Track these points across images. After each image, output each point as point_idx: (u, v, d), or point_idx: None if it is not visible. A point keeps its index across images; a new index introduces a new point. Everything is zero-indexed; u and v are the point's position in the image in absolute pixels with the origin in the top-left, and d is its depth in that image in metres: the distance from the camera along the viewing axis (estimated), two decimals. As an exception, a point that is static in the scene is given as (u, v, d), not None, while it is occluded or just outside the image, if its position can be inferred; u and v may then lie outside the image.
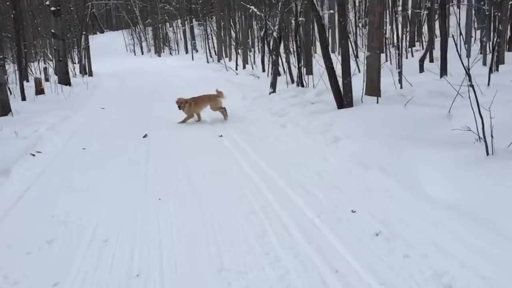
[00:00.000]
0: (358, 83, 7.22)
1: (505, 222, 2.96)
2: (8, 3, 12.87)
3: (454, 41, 5.50)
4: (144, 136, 6.77)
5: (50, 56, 19.59)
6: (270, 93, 9.59)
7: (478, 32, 15.91)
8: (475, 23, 16.12)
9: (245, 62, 17.86)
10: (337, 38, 20.25)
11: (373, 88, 6.91)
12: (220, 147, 5.86)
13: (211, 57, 23.87)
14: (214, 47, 25.48)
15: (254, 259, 2.89)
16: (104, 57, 29.86)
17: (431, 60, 13.46)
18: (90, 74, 20.26)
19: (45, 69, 16.56)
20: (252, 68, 16.28)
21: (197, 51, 29.01)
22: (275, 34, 9.60)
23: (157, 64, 25.72)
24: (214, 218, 3.57)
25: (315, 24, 16.19)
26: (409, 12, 16.31)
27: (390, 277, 2.56)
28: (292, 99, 8.55)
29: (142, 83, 15.15)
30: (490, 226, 2.96)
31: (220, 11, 22.56)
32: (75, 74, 19.59)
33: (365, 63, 6.99)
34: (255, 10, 12.89)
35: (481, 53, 14.99)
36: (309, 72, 11.41)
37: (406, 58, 14.11)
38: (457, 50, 5.03)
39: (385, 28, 11.72)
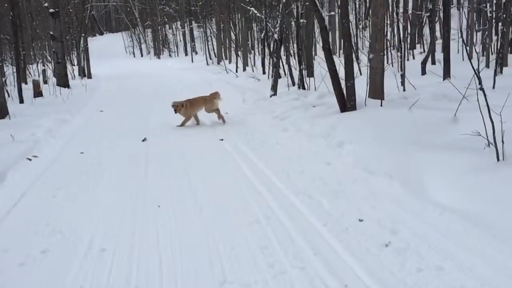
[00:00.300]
0: (360, 85, 7.09)
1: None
2: (6, 5, 12.72)
3: (464, 42, 5.38)
4: (143, 140, 6.63)
5: (49, 58, 19.46)
6: (271, 96, 9.47)
7: (479, 34, 15.82)
8: (476, 25, 16.03)
9: (245, 64, 17.75)
10: (337, 40, 20.21)
11: (376, 91, 6.78)
12: (221, 152, 5.73)
13: (210, 59, 23.76)
14: (213, 49, 25.37)
15: (258, 272, 2.75)
16: (104, 59, 29.78)
17: (433, 62, 13.36)
18: (89, 76, 20.13)
19: (44, 71, 16.44)
20: (252, 70, 16.16)
21: (196, 53, 28.92)
22: (276, 36, 9.48)
23: (157, 66, 25.61)
24: (216, 227, 3.43)
25: (315, 26, 16.14)
26: (410, 14, 16.22)
27: (403, 293, 2.43)
28: (294, 102, 8.42)
29: (141, 86, 15.03)
30: (507, 237, 2.82)
31: (220, 13, 22.47)
32: (74, 76, 19.47)
33: (368, 65, 6.87)
34: (255, 12, 12.78)
35: (483, 55, 14.92)
36: (310, 74, 11.29)
37: (407, 60, 14.01)
38: (468, 54, 4.90)
39: (386, 30, 11.60)
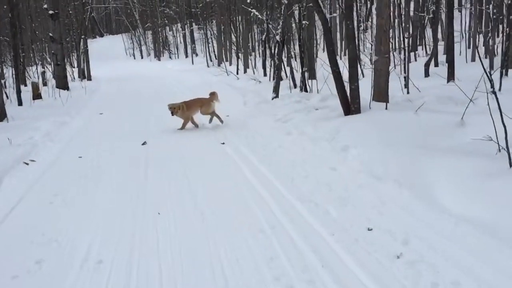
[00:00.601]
0: (363, 88, 6.95)
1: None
2: (5, 6, 12.61)
3: (467, 44, 5.22)
4: (143, 144, 6.50)
5: (49, 60, 19.35)
6: (272, 98, 9.34)
7: (481, 35, 15.69)
8: (478, 27, 15.91)
9: (246, 66, 17.63)
10: (338, 42, 20.10)
11: (381, 94, 6.65)
12: (223, 156, 5.59)
13: (211, 61, 23.65)
14: (214, 51, 25.26)
15: (264, 285, 2.61)
16: (104, 61, 29.67)
17: (436, 64, 13.24)
18: (89, 78, 20.02)
19: (43, 73, 16.31)
20: (253, 73, 16.03)
21: (197, 55, 28.81)
22: (277, 37, 9.35)
23: (157, 68, 25.49)
24: (219, 236, 3.29)
25: (316, 28, 16.01)
26: (412, 15, 16.10)
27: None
28: (296, 105, 8.29)
29: (141, 88, 14.91)
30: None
31: (220, 15, 22.36)
32: (74, 78, 19.35)
33: (373, 67, 6.73)
34: (257, 13, 12.66)
35: (486, 57, 14.78)
36: (312, 76, 11.16)
37: (410, 62, 13.88)
38: (479, 57, 4.77)
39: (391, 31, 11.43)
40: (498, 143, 4.05)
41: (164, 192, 4.36)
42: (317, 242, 3.08)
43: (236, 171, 4.89)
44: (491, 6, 13.84)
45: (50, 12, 14.45)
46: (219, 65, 21.13)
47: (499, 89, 7.14)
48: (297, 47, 16.83)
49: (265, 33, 13.27)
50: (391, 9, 13.96)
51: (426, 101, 7.06)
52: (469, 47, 15.37)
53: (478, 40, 15.62)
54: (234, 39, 20.93)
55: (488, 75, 4.02)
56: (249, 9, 13.12)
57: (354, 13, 20.14)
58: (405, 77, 9.06)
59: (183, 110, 7.31)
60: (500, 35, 13.12)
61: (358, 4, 21.05)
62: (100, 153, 6.10)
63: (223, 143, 6.23)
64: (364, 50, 18.25)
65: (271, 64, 12.78)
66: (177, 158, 5.62)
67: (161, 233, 3.43)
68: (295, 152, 5.48)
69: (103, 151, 6.21)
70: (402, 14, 13.09)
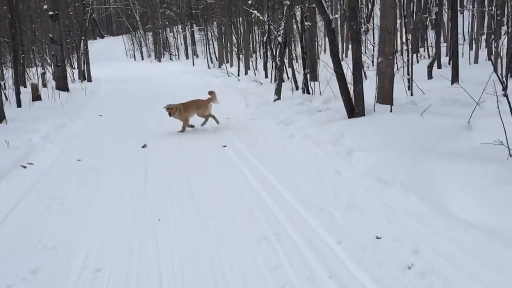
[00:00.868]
0: (366, 90, 6.84)
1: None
2: (5, 7, 12.53)
3: (478, 46, 5.11)
4: (143, 146, 6.39)
5: (49, 61, 19.27)
6: (274, 100, 9.23)
7: (482, 37, 15.58)
8: (481, 29, 15.81)
9: (247, 67, 17.53)
10: (339, 43, 20.00)
11: (385, 96, 6.54)
12: (225, 159, 5.48)
13: (212, 62, 23.57)
14: (215, 53, 25.17)
15: (268, 297, 2.50)
16: (104, 63, 29.59)
17: (439, 66, 13.13)
18: (89, 80, 19.93)
19: (43, 74, 16.22)
20: (254, 74, 15.93)
21: (197, 56, 28.74)
22: (279, 39, 9.25)
23: (157, 69, 25.40)
24: (221, 243, 3.17)
25: (317, 29, 15.91)
26: (414, 16, 16.01)
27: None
28: (299, 107, 8.18)
29: (142, 89, 14.81)
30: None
31: (221, 16, 22.28)
32: (74, 79, 19.26)
33: (377, 69, 6.62)
34: (258, 14, 12.56)
35: (489, 59, 14.67)
36: (314, 78, 11.05)
37: (413, 64, 13.78)
38: (491, 60, 4.66)
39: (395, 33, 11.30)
40: (508, 148, 3.94)
41: (164, 197, 4.24)
42: (323, 250, 2.96)
43: (238, 175, 4.77)
44: (494, 7, 13.75)
45: (50, 13, 14.35)
46: (219, 66, 21.04)
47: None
48: (298, 48, 16.77)
49: (266, 35, 13.17)
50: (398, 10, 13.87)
51: (432, 103, 6.97)
52: (471, 49, 15.27)
53: (480, 42, 15.53)
54: (235, 40, 20.84)
55: (501, 79, 3.90)
56: (250, 10, 13.02)
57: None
58: (408, 79, 8.96)
59: (180, 111, 7.20)
60: (503, 37, 13.02)
61: (359, 6, 20.97)
62: (99, 156, 5.99)
63: (225, 146, 6.12)
64: (365, 52, 18.15)
65: (272, 65, 12.68)
66: (177, 161, 5.51)
67: (161, 240, 3.31)
68: (299, 156, 5.37)
69: (102, 154, 6.10)
70: (404, 15, 12.98)
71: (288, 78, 11.70)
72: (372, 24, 18.67)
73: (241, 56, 18.53)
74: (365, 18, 20.15)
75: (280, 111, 8.19)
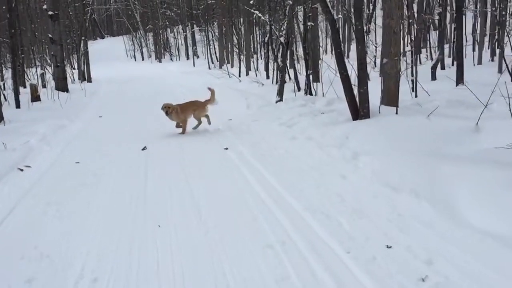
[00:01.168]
0: (370, 92, 6.70)
1: None
2: (4, 7, 12.41)
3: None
4: (143, 149, 6.25)
5: (49, 61, 19.15)
6: (276, 102, 9.10)
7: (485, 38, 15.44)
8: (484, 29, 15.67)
9: (248, 68, 17.40)
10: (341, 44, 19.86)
11: (390, 98, 6.40)
12: (227, 162, 5.34)
13: (212, 63, 23.45)
14: (215, 53, 25.05)
15: (274, 311, 2.36)
16: (104, 63, 29.47)
17: (443, 67, 12.99)
18: (89, 80, 19.81)
19: (42, 75, 16.09)
20: (256, 75, 15.79)
21: (198, 57, 28.62)
22: (282, 39, 9.11)
23: (158, 70, 25.27)
24: (224, 252, 3.03)
25: (318, 30, 15.77)
26: (416, 16, 15.86)
27: None
28: (301, 109, 8.04)
29: (142, 90, 14.68)
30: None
31: (222, 17, 22.15)
32: (74, 80, 19.14)
33: (382, 70, 6.49)
34: (259, 15, 12.44)
35: (492, 60, 14.53)
36: (316, 79, 10.92)
37: (417, 64, 13.65)
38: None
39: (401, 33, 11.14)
40: (521, 152, 3.81)
41: (164, 202, 4.10)
42: (331, 260, 2.82)
43: (241, 179, 4.63)
44: (498, 8, 13.62)
45: (50, 13, 14.22)
46: (220, 67, 20.91)
47: (512, 93, 6.89)
48: (300, 49, 16.64)
49: (267, 35, 13.05)
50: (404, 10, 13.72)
51: (435, 105, 6.83)
52: (474, 50, 15.14)
53: (484, 43, 15.38)
54: (235, 41, 20.72)
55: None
56: (252, 10, 12.90)
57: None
58: (412, 80, 8.83)
59: (177, 112, 7.06)
60: (506, 38, 12.89)
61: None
62: (98, 159, 5.86)
63: (227, 148, 5.98)
64: (367, 53, 18.01)
65: (273, 66, 12.55)
66: (178, 164, 5.37)
67: (161, 247, 3.17)
68: (302, 159, 5.23)
69: (101, 157, 5.97)
70: (408, 15, 12.84)
71: (290, 79, 11.56)
72: (374, 25, 18.53)
73: (242, 56, 18.39)
74: (366, 18, 20.02)
75: (282, 112, 8.05)
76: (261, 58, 20.34)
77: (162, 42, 35.11)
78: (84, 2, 21.61)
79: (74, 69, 23.42)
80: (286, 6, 9.41)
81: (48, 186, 4.79)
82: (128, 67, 29.06)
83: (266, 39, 13.71)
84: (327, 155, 5.24)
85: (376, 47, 14.89)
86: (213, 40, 25.26)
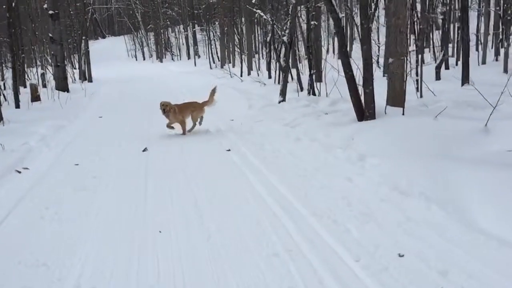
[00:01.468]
0: (375, 92, 6.57)
1: None
2: (4, 6, 12.29)
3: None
4: (143, 150, 6.13)
5: (50, 61, 19.05)
6: (279, 102, 8.97)
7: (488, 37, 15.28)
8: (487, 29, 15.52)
9: (249, 68, 17.27)
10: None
11: (396, 98, 6.26)
12: (229, 165, 5.21)
13: (214, 63, 23.33)
14: (217, 53, 24.93)
15: (282, 325, 2.23)
16: (105, 63, 29.39)
17: (447, 67, 12.85)
18: (90, 80, 19.72)
19: (43, 74, 15.98)
20: (258, 75, 15.68)
21: (199, 56, 28.51)
22: (285, 38, 8.98)
23: (159, 70, 25.17)
24: (227, 260, 2.90)
25: (321, 30, 15.64)
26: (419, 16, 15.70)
27: None
28: (304, 109, 7.91)
29: (142, 90, 14.56)
30: None
31: (223, 16, 22.03)
32: (75, 80, 19.03)
33: (388, 70, 6.35)
34: (262, 14, 12.31)
35: (496, 60, 14.38)
36: (319, 79, 10.78)
37: (421, 64, 13.51)
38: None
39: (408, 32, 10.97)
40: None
41: (165, 206, 3.97)
42: (340, 269, 2.68)
43: (244, 182, 4.50)
44: (502, 7, 13.46)
45: (50, 12, 14.12)
46: (222, 67, 20.79)
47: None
48: (301, 48, 16.52)
49: (269, 35, 12.92)
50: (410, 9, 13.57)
51: (441, 105, 6.68)
52: (476, 50, 14.98)
53: (487, 42, 15.23)
54: (237, 40, 20.60)
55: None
56: (254, 10, 12.77)
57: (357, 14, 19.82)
58: (417, 80, 8.69)
59: (175, 112, 6.93)
60: (510, 37, 12.73)
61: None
62: (98, 161, 5.73)
63: (229, 150, 5.85)
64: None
65: (276, 66, 12.42)
66: (179, 166, 5.24)
67: (162, 255, 3.04)
68: (307, 161, 5.10)
69: (101, 158, 5.85)
70: (412, 14, 12.71)
71: (292, 79, 11.43)
72: (377, 24, 18.37)
73: (243, 56, 18.27)
74: (369, 17, 19.88)
75: (285, 113, 7.92)
76: (262, 58, 20.22)
77: (163, 42, 35.02)
78: (85, 1, 21.53)
79: (75, 68, 23.33)
80: (289, 5, 9.28)
81: (46, 189, 4.66)
82: (129, 67, 28.96)
83: (268, 38, 13.57)
84: (332, 157, 5.11)
85: (379, 46, 14.74)
86: (214, 40, 25.15)
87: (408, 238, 3.01)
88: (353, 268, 2.68)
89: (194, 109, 7.12)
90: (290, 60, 12.51)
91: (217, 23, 25.99)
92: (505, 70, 10.94)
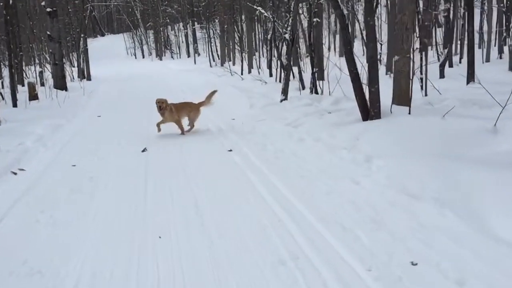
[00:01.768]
0: (380, 90, 6.42)
1: None
2: (1, 3, 12.11)
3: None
4: (143, 151, 5.97)
5: (48, 59, 18.88)
6: (281, 101, 8.81)
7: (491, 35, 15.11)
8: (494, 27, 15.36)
9: (250, 66, 17.11)
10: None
11: (402, 97, 6.11)
12: (231, 166, 5.05)
13: (214, 61, 23.15)
14: (217, 51, 24.75)
15: None
16: (104, 61, 29.19)
17: (451, 65, 12.70)
18: (89, 78, 19.54)
19: (41, 73, 15.81)
20: (258, 73, 15.51)
21: (199, 54, 28.34)
22: (286, 36, 8.81)
23: (158, 68, 25.00)
24: (230, 268, 2.75)
25: (323, 28, 15.46)
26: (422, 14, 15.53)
27: None
28: (307, 108, 7.75)
29: (142, 88, 14.39)
30: None
31: (223, 14, 21.84)
32: (73, 78, 18.85)
33: (394, 68, 6.20)
34: (263, 11, 12.14)
35: (500, 58, 14.22)
36: (320, 77, 10.62)
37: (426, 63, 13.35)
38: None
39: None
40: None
41: (166, 210, 3.81)
42: (351, 279, 2.53)
43: (246, 184, 4.34)
44: (506, 5, 13.30)
45: (48, 9, 13.93)
46: (222, 65, 20.62)
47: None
48: (302, 46, 16.34)
49: (270, 32, 12.75)
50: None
51: (447, 104, 6.54)
52: (479, 47, 14.82)
53: (491, 40, 15.07)
54: (237, 38, 20.42)
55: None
56: (255, 7, 12.60)
57: (359, 11, 19.58)
58: (421, 79, 8.53)
59: (171, 111, 6.78)
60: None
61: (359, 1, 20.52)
62: (96, 161, 5.58)
63: (230, 150, 5.70)
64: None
65: (277, 64, 12.26)
66: (180, 168, 5.09)
67: (162, 262, 2.89)
68: (311, 162, 4.94)
69: (99, 159, 5.69)
70: (418, 11, 12.55)
71: (294, 77, 11.26)
72: (379, 21, 18.21)
73: (244, 54, 18.09)
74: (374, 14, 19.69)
75: (287, 112, 7.77)
76: (263, 56, 20.05)
77: (162, 40, 34.82)
78: (83, -1, 21.33)
79: (74, 67, 23.15)
80: (290, 2, 9.11)
81: (42, 192, 4.50)
82: (128, 65, 28.79)
83: (269, 36, 13.40)
84: (337, 158, 4.96)
85: (381, 44, 14.59)
86: (214, 38, 24.97)
87: (422, 245, 2.85)
88: (364, 278, 2.53)
89: (191, 109, 6.99)
90: (292, 58, 12.38)
91: (217, 20, 25.79)
92: (510, 68, 10.80)
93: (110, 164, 5.41)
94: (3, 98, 11.24)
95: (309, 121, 6.84)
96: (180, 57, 32.56)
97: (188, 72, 19.68)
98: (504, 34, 14.10)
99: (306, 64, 13.94)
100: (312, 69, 9.00)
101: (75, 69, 21.35)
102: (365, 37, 9.26)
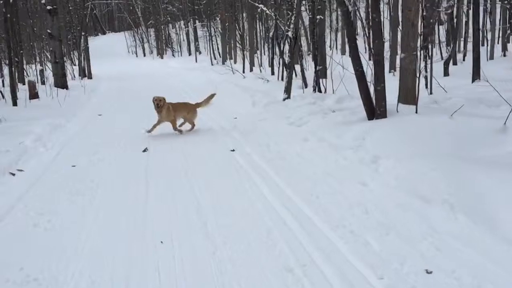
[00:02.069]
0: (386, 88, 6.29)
1: None
2: (1, 1, 11.99)
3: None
4: (144, 150, 5.86)
5: (49, 57, 18.76)
6: (284, 99, 8.68)
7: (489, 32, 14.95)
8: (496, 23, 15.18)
9: (252, 64, 16.97)
10: (346, 39, 19.39)
11: (408, 95, 5.99)
12: (234, 167, 4.93)
13: (215, 59, 23.01)
14: (218, 49, 24.61)
15: None
16: (105, 59, 29.05)
17: (455, 63, 12.56)
18: (90, 77, 19.42)
19: (41, 71, 15.69)
20: (260, 71, 15.37)
21: (200, 53, 28.20)
22: (289, 33, 8.68)
23: (159, 66, 24.87)
24: (235, 276, 2.64)
25: (325, 25, 15.29)
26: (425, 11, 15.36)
27: None
28: (310, 107, 7.62)
29: (143, 87, 14.27)
30: None
31: (224, 12, 21.69)
32: (74, 76, 18.74)
33: (400, 66, 6.07)
34: (265, 9, 12.00)
35: (504, 55, 14.07)
36: (323, 75, 10.48)
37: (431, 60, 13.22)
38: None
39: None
40: None
41: (167, 214, 3.69)
42: (362, 288, 2.42)
43: (250, 186, 4.22)
44: (510, 2, 13.13)
45: (48, 7, 13.80)
46: (223, 63, 20.49)
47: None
48: (304, 44, 16.20)
49: (273, 30, 12.61)
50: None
51: (453, 103, 6.42)
52: (483, 45, 14.66)
53: (494, 38, 14.90)
54: (238, 36, 20.27)
55: None
56: (256, 4, 12.46)
57: (366, 8, 19.45)
58: (426, 77, 8.40)
59: (169, 110, 6.68)
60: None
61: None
62: (96, 162, 5.46)
63: (233, 150, 5.59)
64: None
65: (279, 62, 12.12)
66: (182, 169, 4.97)
67: (163, 270, 2.78)
68: (316, 163, 4.82)
69: (99, 159, 5.57)
70: (423, 8, 12.40)
71: (296, 75, 11.13)
72: (382, 17, 17.99)
73: (245, 52, 17.95)
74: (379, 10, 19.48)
75: (290, 111, 7.64)
76: (264, 54, 19.91)
77: (163, 38, 34.68)
78: (84, -3, 21.19)
79: (75, 65, 23.03)
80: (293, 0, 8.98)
81: (40, 194, 4.38)
82: (129, 63, 28.66)
83: (271, 34, 13.26)
84: (343, 159, 4.83)
85: (384, 41, 14.42)
86: (215, 36, 24.82)
87: (435, 251, 2.74)
88: (376, 287, 2.41)
89: (188, 110, 6.90)
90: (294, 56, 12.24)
91: (218, 18, 25.64)
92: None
93: (110, 165, 5.30)
94: (3, 97, 11.12)
95: (313, 120, 6.72)
96: (181, 56, 32.42)
97: (189, 71, 19.55)
98: (508, 32, 13.94)
99: (308, 62, 13.81)
100: (316, 67, 8.87)
101: (76, 68, 21.23)
102: (367, 34, 9.11)
